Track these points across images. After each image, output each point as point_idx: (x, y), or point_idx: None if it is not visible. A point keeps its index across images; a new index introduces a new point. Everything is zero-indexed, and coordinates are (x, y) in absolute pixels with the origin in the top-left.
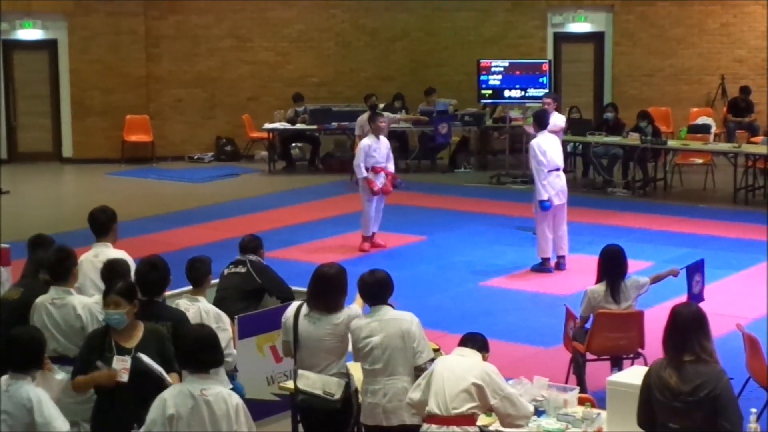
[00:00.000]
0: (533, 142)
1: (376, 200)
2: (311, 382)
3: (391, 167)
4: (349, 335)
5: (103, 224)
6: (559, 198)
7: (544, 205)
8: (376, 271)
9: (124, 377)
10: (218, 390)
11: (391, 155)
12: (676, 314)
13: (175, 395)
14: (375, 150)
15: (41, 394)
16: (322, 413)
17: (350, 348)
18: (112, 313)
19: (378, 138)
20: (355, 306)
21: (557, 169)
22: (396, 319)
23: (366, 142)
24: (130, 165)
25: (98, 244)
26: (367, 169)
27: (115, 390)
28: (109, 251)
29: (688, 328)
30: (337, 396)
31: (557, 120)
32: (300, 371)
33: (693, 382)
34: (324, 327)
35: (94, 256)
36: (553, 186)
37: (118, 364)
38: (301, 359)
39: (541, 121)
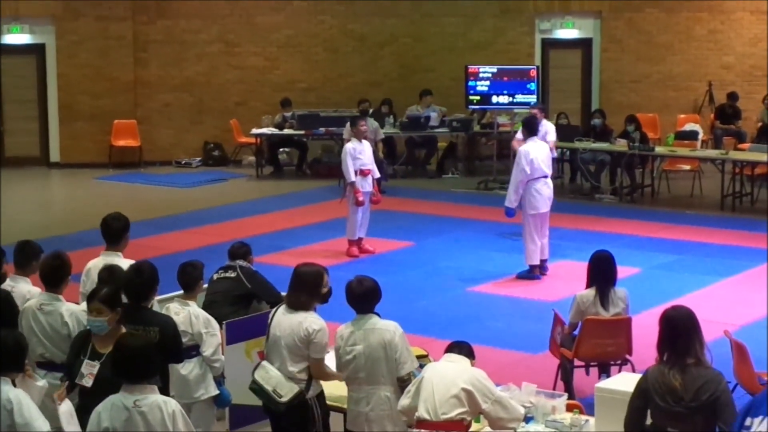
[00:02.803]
0: (522, 149)
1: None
2: (268, 377)
3: (376, 173)
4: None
5: (116, 232)
6: (546, 205)
7: (508, 212)
8: (363, 280)
9: (88, 382)
10: (153, 399)
11: (373, 160)
12: (672, 319)
13: (109, 408)
14: (360, 152)
15: (21, 396)
16: (272, 413)
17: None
18: (93, 320)
19: (361, 141)
20: (324, 324)
21: (545, 177)
22: (379, 329)
23: (350, 145)
24: (117, 170)
25: (108, 252)
26: (355, 173)
27: (97, 393)
28: (119, 260)
29: (688, 331)
30: (284, 399)
31: (547, 129)
32: (263, 363)
33: (694, 386)
34: (290, 323)
35: (104, 265)
36: (541, 193)
37: (86, 369)
38: (267, 353)
39: (531, 128)
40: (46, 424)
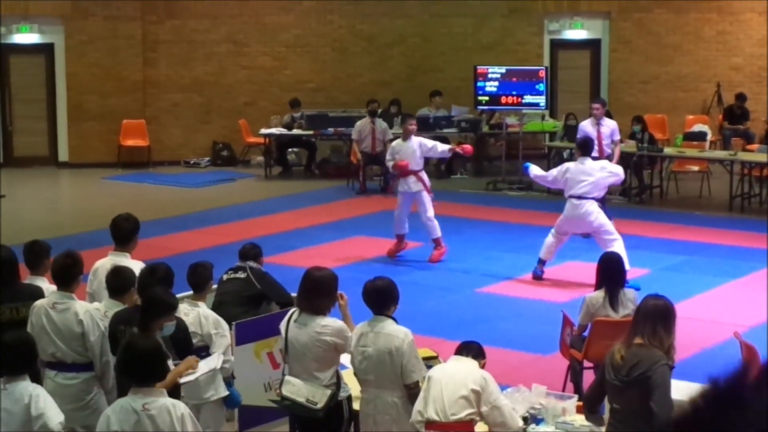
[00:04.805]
0: (567, 164)
1: (407, 203)
2: (296, 389)
3: (441, 147)
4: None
5: (126, 233)
6: (572, 226)
7: (525, 167)
8: (377, 280)
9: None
10: (162, 402)
11: (437, 146)
12: (643, 302)
13: (117, 411)
14: (397, 152)
15: (39, 390)
16: (309, 421)
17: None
18: (168, 325)
19: (406, 140)
20: (342, 323)
21: (577, 197)
22: (388, 334)
23: (392, 143)
24: (126, 169)
25: (116, 252)
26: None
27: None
28: (127, 261)
29: (651, 316)
30: (320, 405)
31: (609, 124)
32: (287, 377)
33: (632, 362)
34: (309, 333)
35: (112, 265)
36: (566, 215)
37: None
38: (290, 366)
39: (584, 149)
40: (60, 416)
